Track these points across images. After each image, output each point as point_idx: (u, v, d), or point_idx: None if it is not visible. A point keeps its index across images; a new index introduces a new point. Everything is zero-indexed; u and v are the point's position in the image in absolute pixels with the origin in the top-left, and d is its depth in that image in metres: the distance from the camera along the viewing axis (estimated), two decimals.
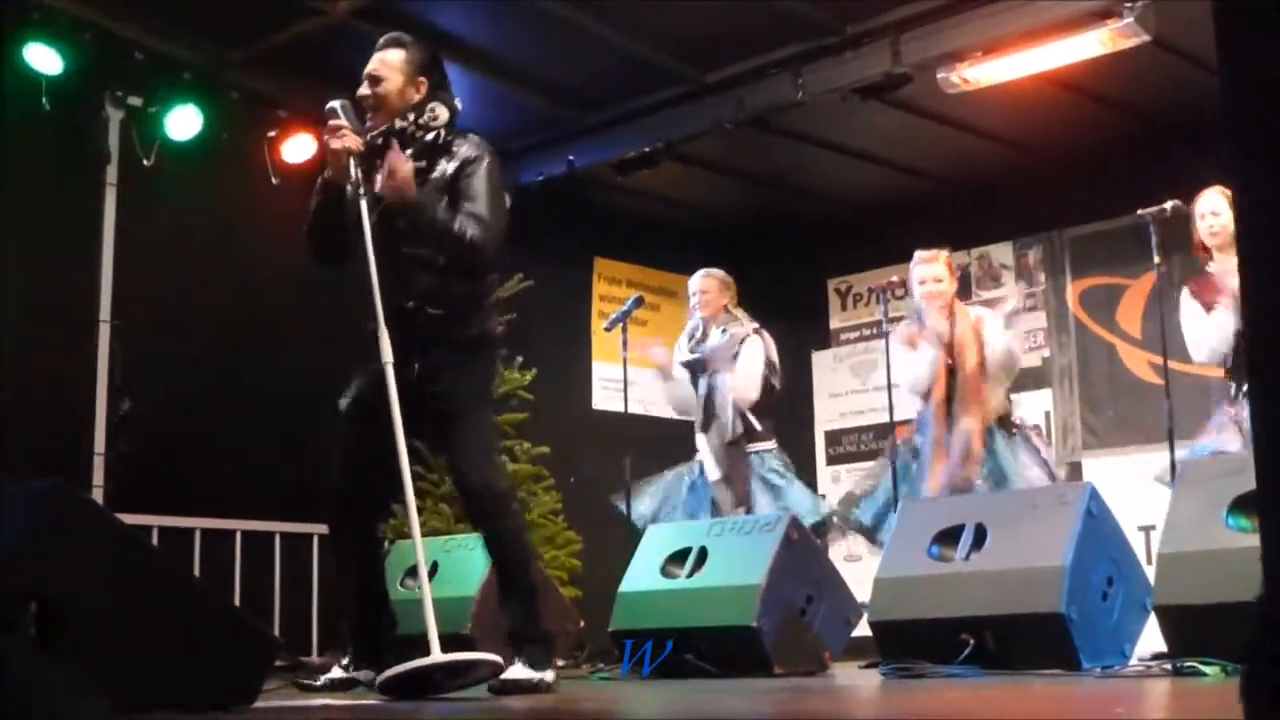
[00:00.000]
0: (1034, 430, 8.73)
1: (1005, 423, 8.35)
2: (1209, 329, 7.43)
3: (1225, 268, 7.47)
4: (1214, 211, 7.49)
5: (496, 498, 5.93)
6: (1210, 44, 2.06)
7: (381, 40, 6.12)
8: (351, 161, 5.83)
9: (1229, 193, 7.36)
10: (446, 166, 5.93)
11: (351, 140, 5.86)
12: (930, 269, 8.46)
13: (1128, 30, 8.80)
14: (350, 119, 5.91)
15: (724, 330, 8.88)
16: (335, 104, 5.94)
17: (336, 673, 5.96)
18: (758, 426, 8.77)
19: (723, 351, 8.82)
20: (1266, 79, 1.91)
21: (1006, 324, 8.50)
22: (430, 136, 5.95)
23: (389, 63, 6.02)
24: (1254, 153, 1.92)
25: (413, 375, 5.81)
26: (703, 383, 8.92)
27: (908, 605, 6.34)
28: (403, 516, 6.50)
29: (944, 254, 8.53)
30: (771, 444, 8.84)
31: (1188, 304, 7.56)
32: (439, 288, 5.86)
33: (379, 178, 5.81)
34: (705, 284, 9.01)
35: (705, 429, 8.90)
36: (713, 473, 8.86)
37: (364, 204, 5.80)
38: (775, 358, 8.88)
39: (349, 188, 5.86)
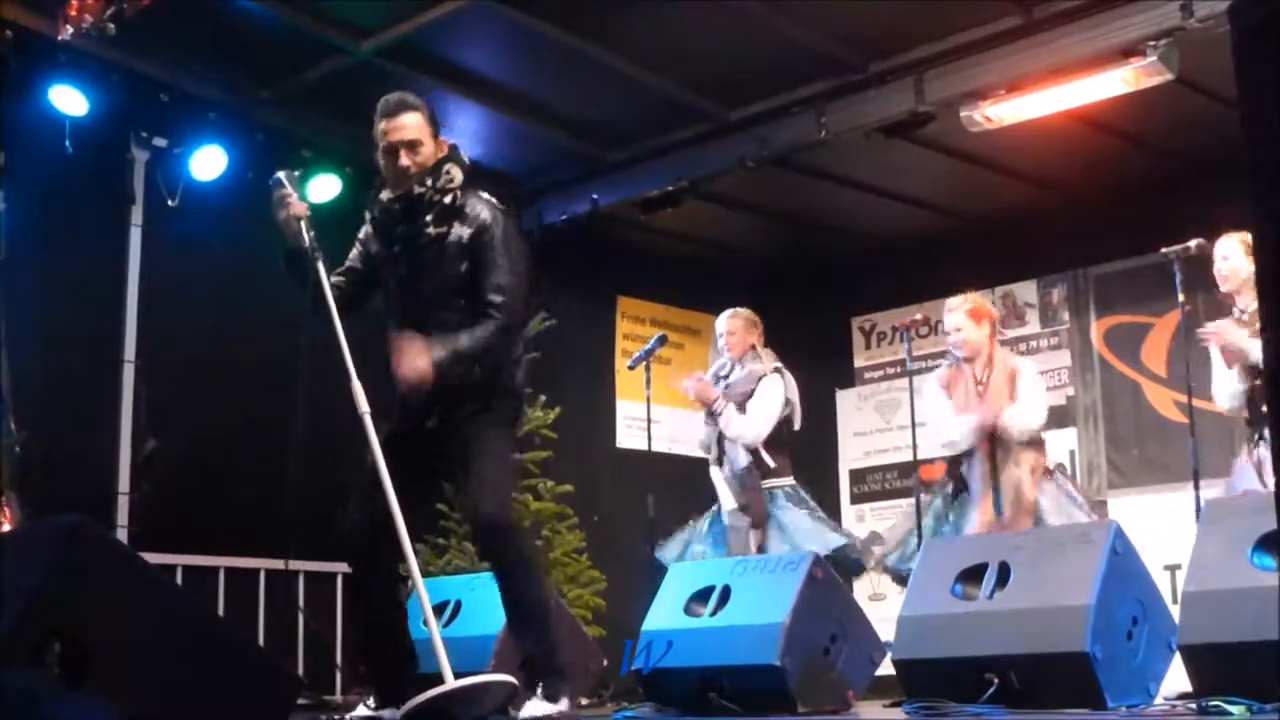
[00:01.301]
0: (1060, 469, 8.64)
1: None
2: (1224, 377, 7.48)
3: (1239, 310, 7.52)
4: (1224, 256, 7.49)
5: (500, 530, 5.94)
6: (1234, 82, 2.06)
7: (390, 104, 6.05)
8: (302, 226, 5.92)
9: (1244, 238, 7.37)
10: (461, 231, 5.94)
11: (297, 208, 5.95)
12: (951, 319, 8.41)
13: (1151, 69, 8.80)
14: (295, 188, 5.99)
15: (744, 368, 8.86)
16: (280, 175, 6.06)
17: (361, 711, 5.95)
18: (771, 463, 8.75)
19: (739, 387, 8.80)
20: None
21: (1034, 381, 8.39)
22: (448, 200, 5.97)
23: (416, 126, 5.98)
24: (1274, 186, 1.92)
25: (433, 425, 5.88)
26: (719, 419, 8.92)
27: (932, 644, 6.31)
28: (424, 554, 6.49)
29: (969, 301, 8.44)
30: (787, 480, 8.82)
31: (1214, 351, 7.56)
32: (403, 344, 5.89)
33: (397, 367, 5.79)
34: (731, 324, 8.98)
35: (719, 463, 8.91)
36: (728, 502, 8.85)
37: (320, 265, 5.94)
38: (795, 397, 8.85)
39: (307, 252, 5.93)
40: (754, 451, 8.73)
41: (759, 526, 8.69)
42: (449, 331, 5.88)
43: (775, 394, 8.74)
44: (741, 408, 8.75)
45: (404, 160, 5.95)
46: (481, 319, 5.90)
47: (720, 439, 8.87)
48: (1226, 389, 7.48)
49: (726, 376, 8.96)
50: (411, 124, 5.98)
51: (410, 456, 5.87)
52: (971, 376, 8.37)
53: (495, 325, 5.89)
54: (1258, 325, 7.27)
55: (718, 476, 8.92)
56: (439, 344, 5.78)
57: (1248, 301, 7.48)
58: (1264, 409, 7.37)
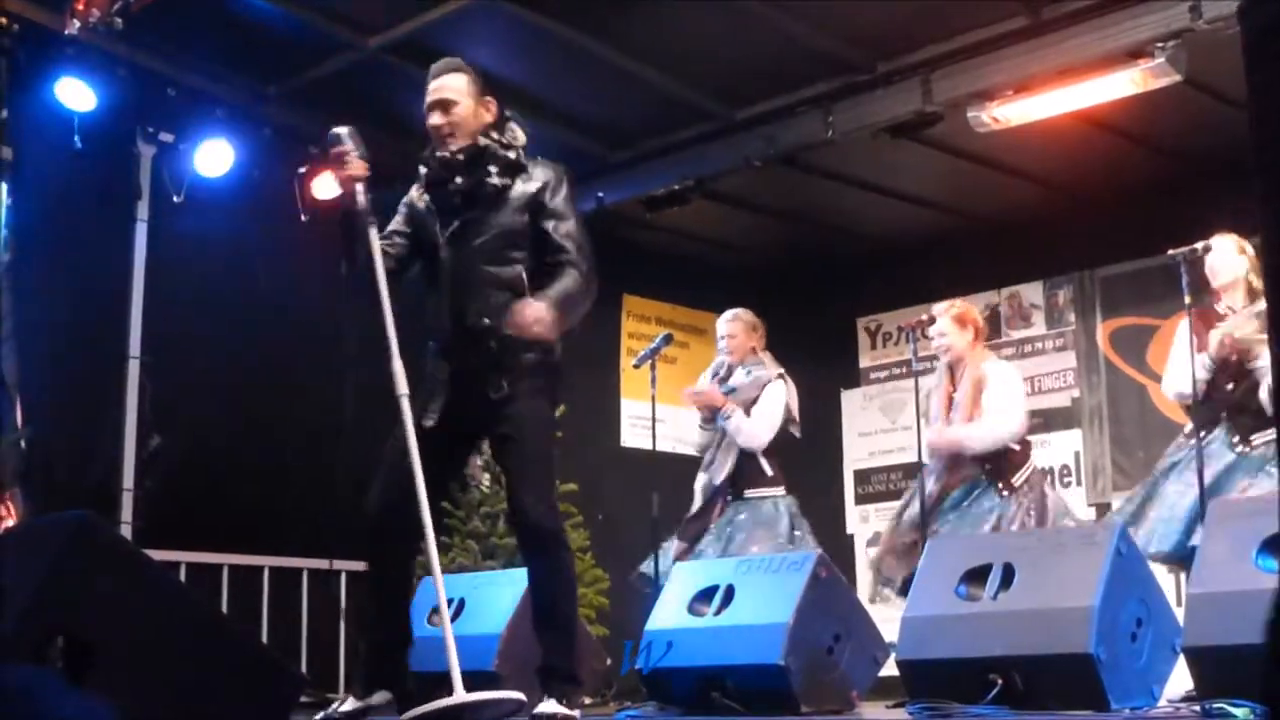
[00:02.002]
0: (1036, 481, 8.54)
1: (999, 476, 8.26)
2: (1185, 367, 7.60)
3: (1225, 307, 7.60)
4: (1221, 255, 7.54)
5: (550, 536, 5.94)
6: (1243, 84, 2.05)
7: (437, 67, 6.12)
8: (359, 188, 5.85)
9: (1236, 239, 7.44)
10: (524, 187, 5.96)
11: (357, 167, 5.88)
12: (937, 324, 8.45)
13: (1159, 70, 8.79)
14: (356, 145, 5.93)
15: (749, 371, 8.82)
16: (340, 131, 5.96)
17: (351, 704, 5.93)
18: (768, 471, 8.72)
19: (745, 392, 8.77)
20: None
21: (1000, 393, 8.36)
22: (513, 155, 5.97)
23: (455, 87, 6.02)
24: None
25: (498, 394, 5.84)
26: (719, 421, 8.88)
27: (935, 645, 6.31)
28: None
29: (955, 308, 8.45)
30: (780, 490, 8.78)
31: (1181, 335, 7.65)
32: (515, 305, 5.87)
33: (515, 321, 5.76)
34: (732, 328, 8.93)
35: (707, 467, 8.89)
36: (694, 508, 8.87)
37: (372, 231, 5.83)
38: (795, 405, 8.81)
39: (361, 215, 5.87)
40: (752, 458, 8.71)
41: (688, 545, 8.69)
42: (501, 287, 5.88)
43: (779, 400, 8.71)
44: (747, 412, 8.72)
45: (435, 119, 5.99)
46: (560, 269, 5.93)
47: (718, 445, 8.84)
48: (1184, 377, 7.58)
49: (726, 379, 8.93)
50: (449, 85, 6.03)
51: (438, 447, 5.83)
52: (947, 386, 8.41)
53: (577, 272, 5.93)
54: (1236, 321, 7.36)
55: (700, 480, 8.91)
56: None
57: (1233, 299, 7.53)
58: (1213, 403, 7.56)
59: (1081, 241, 12.15)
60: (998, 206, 12.19)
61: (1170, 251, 7.56)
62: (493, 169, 5.92)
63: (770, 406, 8.67)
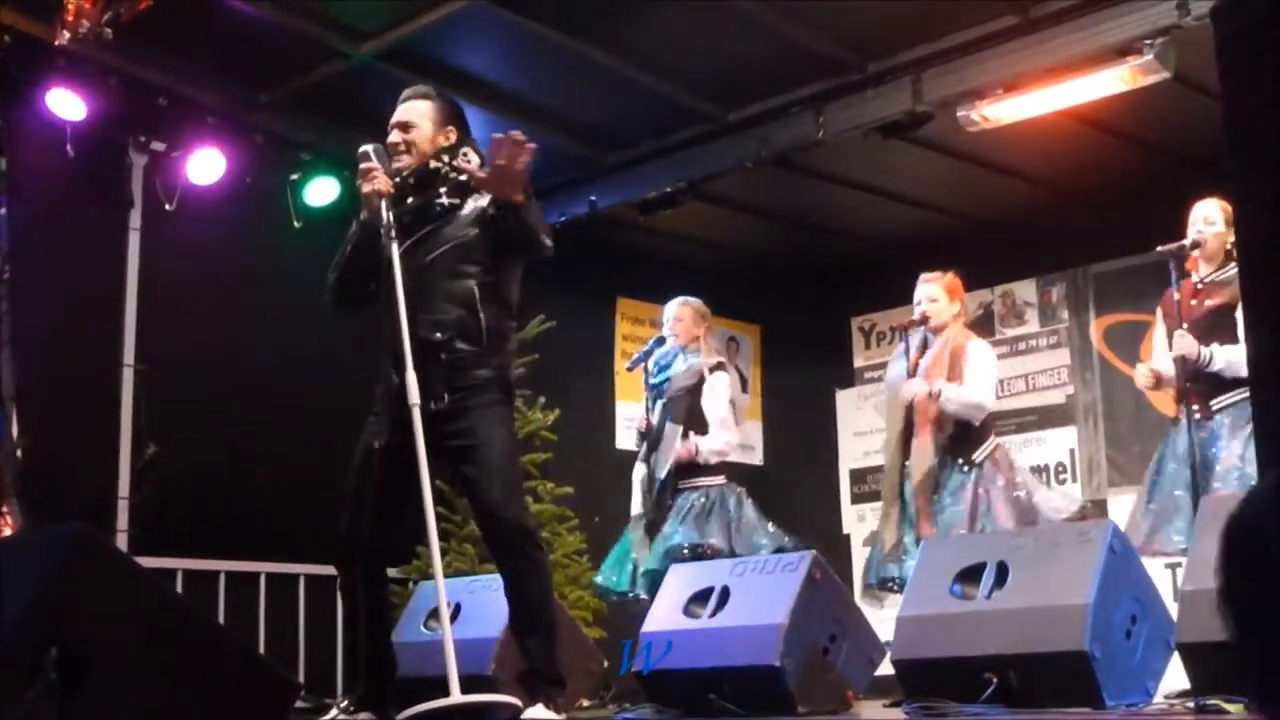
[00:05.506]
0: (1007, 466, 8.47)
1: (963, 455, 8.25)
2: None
3: (1201, 277, 7.60)
4: (1207, 219, 7.49)
5: (523, 534, 5.95)
6: None
7: (406, 93, 6.29)
8: (383, 204, 5.91)
9: (1224, 205, 7.40)
10: (476, 203, 6.04)
11: (382, 183, 5.95)
12: (925, 289, 8.42)
13: (1148, 67, 8.80)
14: (382, 162, 6.01)
15: (685, 360, 8.85)
16: (368, 148, 6.07)
17: (334, 713, 5.96)
18: (701, 461, 8.77)
19: (681, 379, 8.80)
20: (1263, 102, 1.93)
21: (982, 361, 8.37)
22: (463, 176, 6.00)
23: (417, 110, 6.19)
24: (1257, 189, 1.93)
25: (439, 407, 5.86)
26: (657, 411, 8.90)
27: (930, 644, 6.32)
28: (425, 557, 6.48)
29: (947, 276, 8.46)
30: (720, 479, 8.83)
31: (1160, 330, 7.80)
32: (469, 320, 5.91)
33: (484, 170, 5.91)
34: (680, 312, 8.97)
35: (645, 459, 8.89)
36: (635, 507, 8.86)
37: (394, 247, 5.87)
38: (737, 395, 8.85)
39: (381, 231, 5.93)
40: (695, 448, 8.74)
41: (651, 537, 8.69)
42: (455, 302, 5.94)
43: (723, 391, 8.76)
44: (684, 402, 8.75)
45: (393, 136, 6.15)
46: None
47: (658, 433, 8.85)
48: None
49: (668, 366, 8.97)
50: (416, 108, 6.20)
51: (396, 464, 5.84)
52: (916, 354, 8.37)
53: (547, 241, 6.07)
54: (1216, 292, 7.33)
55: (639, 474, 8.90)
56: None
57: (1208, 271, 7.52)
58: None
59: (1073, 239, 12.15)
60: (989, 205, 12.20)
61: (1159, 248, 7.57)
62: (443, 190, 6.03)
63: (716, 399, 8.72)
